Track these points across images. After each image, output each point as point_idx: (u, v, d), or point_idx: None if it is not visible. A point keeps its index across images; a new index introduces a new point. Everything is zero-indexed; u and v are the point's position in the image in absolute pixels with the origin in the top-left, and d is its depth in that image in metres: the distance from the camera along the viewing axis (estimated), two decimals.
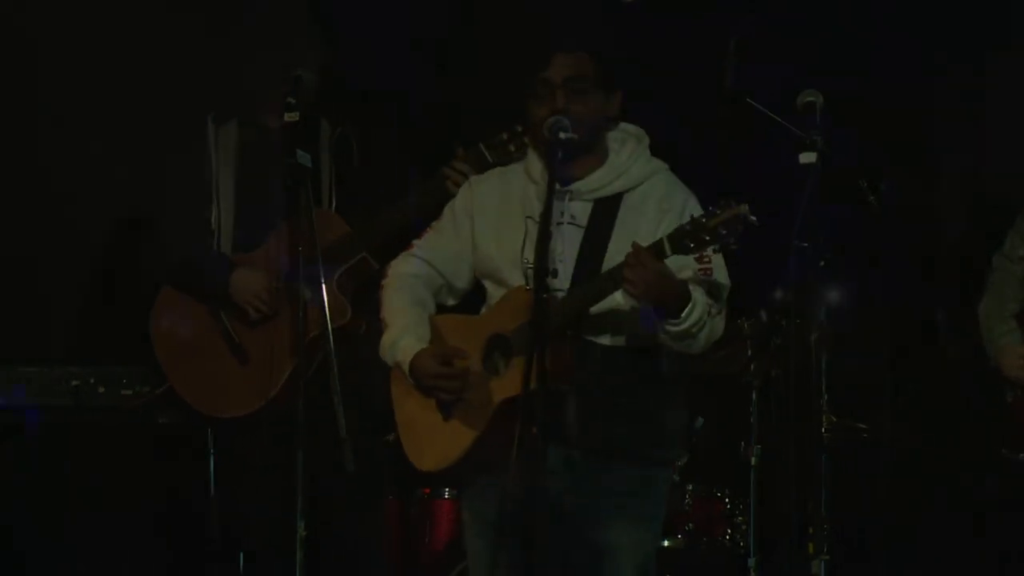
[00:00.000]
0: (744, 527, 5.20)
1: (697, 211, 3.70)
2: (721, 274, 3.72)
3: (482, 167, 4.20)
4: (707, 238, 3.52)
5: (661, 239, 3.58)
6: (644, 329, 3.71)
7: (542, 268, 3.49)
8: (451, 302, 3.99)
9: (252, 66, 4.61)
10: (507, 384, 3.66)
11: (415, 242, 3.98)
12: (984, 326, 4.83)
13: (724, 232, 3.50)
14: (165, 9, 5.59)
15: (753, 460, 5.11)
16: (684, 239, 3.54)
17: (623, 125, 3.88)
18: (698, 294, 3.64)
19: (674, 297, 3.60)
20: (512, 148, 4.21)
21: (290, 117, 4.19)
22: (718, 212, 3.51)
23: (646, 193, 3.80)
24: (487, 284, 3.89)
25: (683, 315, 3.61)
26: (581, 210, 3.78)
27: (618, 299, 3.68)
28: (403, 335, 3.84)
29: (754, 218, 3.50)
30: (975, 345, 4.89)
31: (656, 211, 3.77)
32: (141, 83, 5.55)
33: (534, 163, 3.86)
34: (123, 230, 5.46)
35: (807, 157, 3.74)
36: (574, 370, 3.67)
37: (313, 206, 4.18)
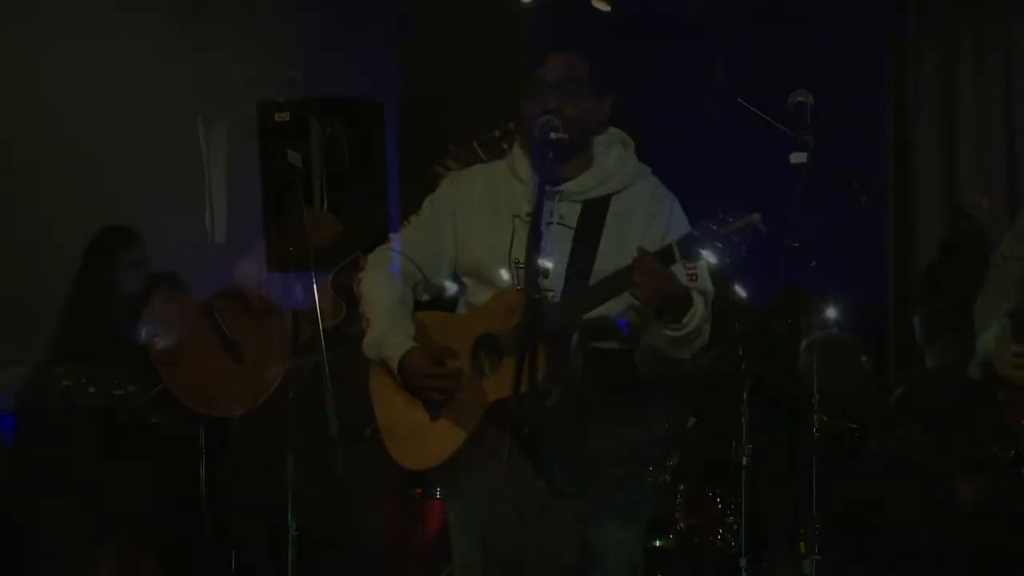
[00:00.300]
0: (735, 527, 5.20)
1: (681, 215, 3.73)
2: (706, 280, 3.73)
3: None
4: (719, 245, 3.53)
5: (670, 244, 3.58)
6: (625, 331, 3.71)
7: (534, 269, 3.49)
8: (425, 298, 3.91)
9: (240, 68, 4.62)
10: (499, 385, 3.63)
11: (393, 236, 3.91)
12: (978, 324, 4.83)
13: (736, 240, 3.52)
14: (152, 12, 5.61)
15: (744, 460, 5.10)
16: (695, 245, 3.55)
17: (610, 129, 3.86)
18: (697, 299, 3.65)
19: (677, 301, 3.61)
20: (505, 146, 4.22)
21: (280, 117, 4.18)
22: (731, 220, 3.52)
23: (633, 197, 3.79)
24: (469, 282, 3.83)
25: (684, 320, 3.62)
26: (569, 211, 3.76)
27: (611, 301, 3.68)
28: (390, 332, 3.77)
29: (764, 228, 3.51)
30: (956, 348, 4.89)
31: (643, 215, 3.76)
32: (134, 86, 5.56)
33: (521, 161, 3.82)
34: (115, 230, 5.46)
35: (798, 157, 3.72)
36: (566, 371, 3.67)
37: (305, 206, 4.18)
